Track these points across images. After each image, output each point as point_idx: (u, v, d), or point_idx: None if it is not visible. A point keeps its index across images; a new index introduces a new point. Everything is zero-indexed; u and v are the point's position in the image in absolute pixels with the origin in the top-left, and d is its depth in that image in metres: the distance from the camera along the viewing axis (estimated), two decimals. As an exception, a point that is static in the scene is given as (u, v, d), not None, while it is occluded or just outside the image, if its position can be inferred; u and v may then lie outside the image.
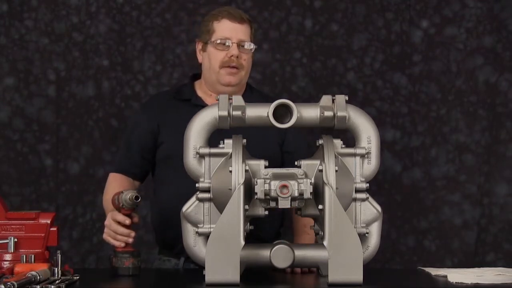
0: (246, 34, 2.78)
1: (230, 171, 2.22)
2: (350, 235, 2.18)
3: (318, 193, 2.23)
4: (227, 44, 2.74)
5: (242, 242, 2.15)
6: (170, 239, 2.75)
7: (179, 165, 2.62)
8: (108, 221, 2.48)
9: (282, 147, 2.81)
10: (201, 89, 2.85)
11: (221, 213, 2.21)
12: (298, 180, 2.17)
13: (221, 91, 2.73)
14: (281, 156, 2.80)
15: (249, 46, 2.78)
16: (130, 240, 2.44)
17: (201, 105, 2.73)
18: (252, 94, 2.82)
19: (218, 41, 2.75)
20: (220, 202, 2.26)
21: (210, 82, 2.80)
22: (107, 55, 3.69)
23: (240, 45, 2.75)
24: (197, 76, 2.89)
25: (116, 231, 2.44)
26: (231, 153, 2.28)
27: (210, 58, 2.77)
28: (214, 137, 2.36)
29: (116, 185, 2.76)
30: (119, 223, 2.45)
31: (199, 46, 2.84)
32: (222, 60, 2.74)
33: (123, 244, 2.44)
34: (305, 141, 2.90)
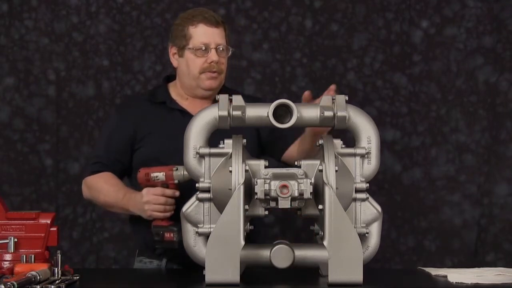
0: (222, 37, 2.76)
1: (230, 171, 2.22)
2: (350, 235, 2.17)
3: (318, 193, 2.23)
4: (206, 49, 2.72)
5: (242, 242, 2.15)
6: (151, 241, 2.73)
7: None
8: (149, 197, 2.55)
9: (260, 140, 2.80)
10: (175, 92, 2.83)
11: (221, 213, 2.21)
12: (298, 180, 2.17)
13: (201, 95, 2.74)
14: (260, 150, 2.79)
15: (227, 49, 2.76)
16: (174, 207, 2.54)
17: (176, 108, 2.75)
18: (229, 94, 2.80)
19: (197, 48, 2.72)
20: (220, 202, 2.26)
21: (188, 87, 2.78)
22: (107, 55, 3.69)
23: (218, 49, 2.74)
24: (171, 78, 2.87)
25: (166, 203, 2.53)
26: (231, 153, 2.28)
27: (189, 64, 2.74)
28: (214, 137, 2.36)
29: (105, 180, 2.74)
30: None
31: (173, 51, 2.80)
32: (202, 66, 2.72)
33: (173, 212, 2.52)
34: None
